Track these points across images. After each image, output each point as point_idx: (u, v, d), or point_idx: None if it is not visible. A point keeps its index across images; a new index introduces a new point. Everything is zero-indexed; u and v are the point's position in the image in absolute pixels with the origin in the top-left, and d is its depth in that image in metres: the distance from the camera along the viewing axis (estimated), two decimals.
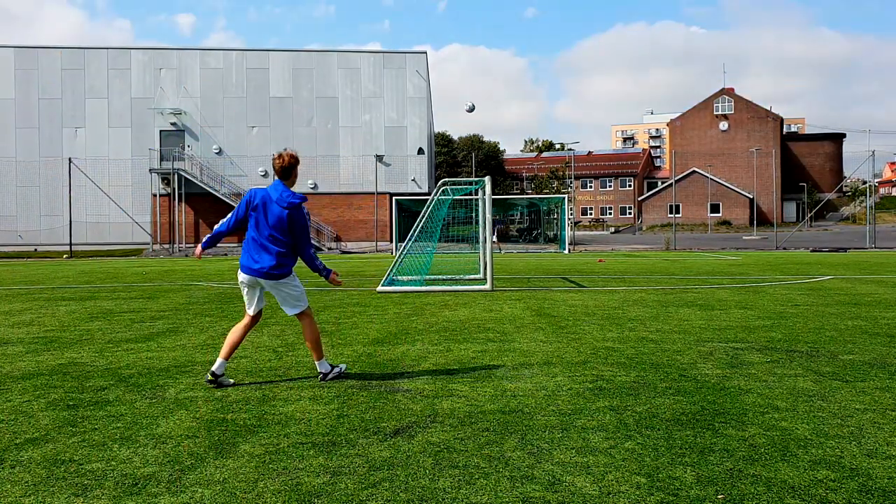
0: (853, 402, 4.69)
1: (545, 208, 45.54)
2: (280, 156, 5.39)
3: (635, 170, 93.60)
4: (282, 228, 5.31)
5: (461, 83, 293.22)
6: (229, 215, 5.56)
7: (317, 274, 5.47)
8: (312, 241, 5.41)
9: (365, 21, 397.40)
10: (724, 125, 77.41)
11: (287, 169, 5.38)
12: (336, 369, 5.60)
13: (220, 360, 5.36)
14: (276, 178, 5.46)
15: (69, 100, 41.59)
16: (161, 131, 41.84)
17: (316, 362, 5.54)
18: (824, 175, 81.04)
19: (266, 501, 3.12)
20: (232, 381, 5.49)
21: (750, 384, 5.25)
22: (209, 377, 5.33)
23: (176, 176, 39.28)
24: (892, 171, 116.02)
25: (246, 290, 5.48)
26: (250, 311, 5.52)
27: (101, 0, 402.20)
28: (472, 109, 19.81)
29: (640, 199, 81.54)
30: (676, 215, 61.48)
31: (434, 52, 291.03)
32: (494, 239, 32.91)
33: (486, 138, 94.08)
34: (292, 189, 5.47)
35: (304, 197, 5.44)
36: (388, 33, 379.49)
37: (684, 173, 74.10)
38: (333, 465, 3.57)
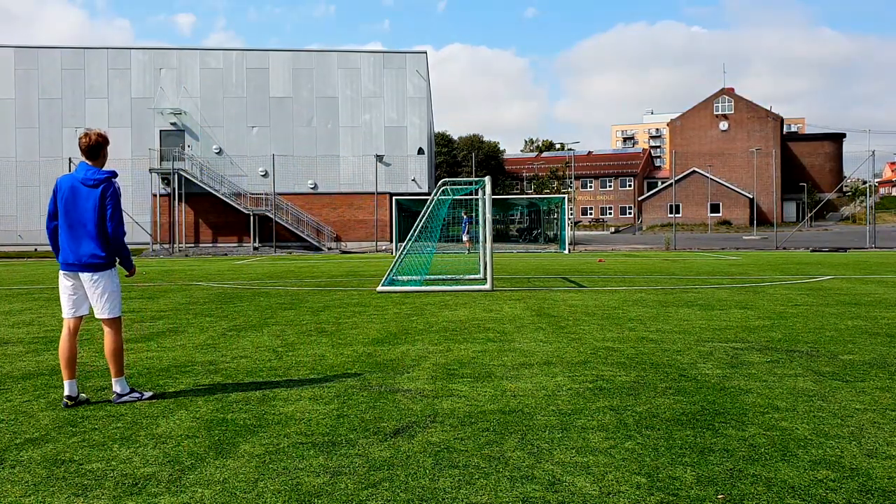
0: (853, 402, 4.69)
1: (545, 208, 45.54)
2: (86, 134, 4.85)
3: (635, 170, 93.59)
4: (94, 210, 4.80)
5: (461, 83, 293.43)
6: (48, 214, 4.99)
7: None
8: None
9: (365, 21, 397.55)
10: (724, 125, 77.41)
11: (94, 148, 4.86)
12: (135, 394, 4.97)
13: (67, 381, 4.80)
14: (83, 158, 4.91)
15: (69, 100, 41.59)
16: (161, 131, 41.83)
17: (114, 379, 4.93)
18: (824, 175, 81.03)
19: (266, 501, 3.12)
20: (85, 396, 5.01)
21: (750, 384, 5.25)
22: (66, 402, 4.80)
23: (176, 176, 39.27)
24: (893, 171, 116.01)
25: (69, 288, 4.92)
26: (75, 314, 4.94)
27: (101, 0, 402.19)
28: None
29: (640, 199, 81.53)
30: (676, 215, 61.45)
31: (435, 52, 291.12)
32: (464, 238, 30.19)
33: (486, 138, 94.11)
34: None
35: (113, 172, 4.92)
36: (387, 33, 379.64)
37: (684, 173, 74.08)
38: (333, 465, 3.57)
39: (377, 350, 6.86)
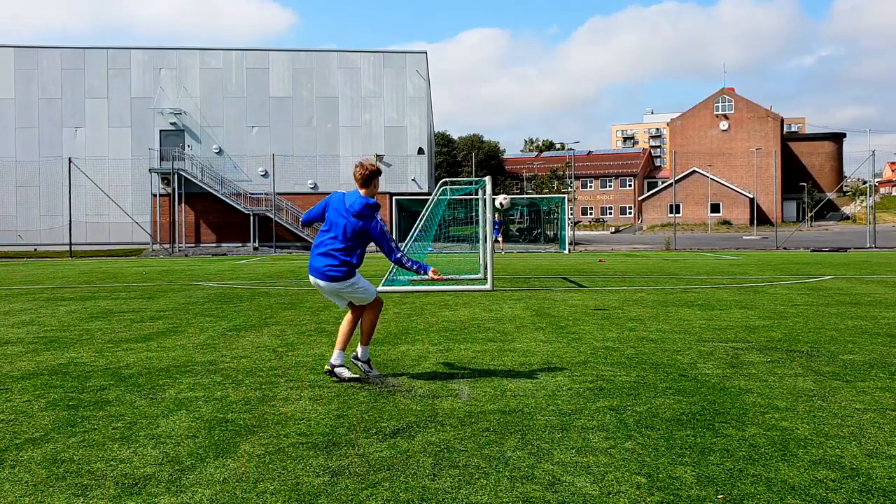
0: (853, 402, 4.69)
1: (545, 208, 45.53)
2: (360, 164, 5.45)
3: (635, 170, 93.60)
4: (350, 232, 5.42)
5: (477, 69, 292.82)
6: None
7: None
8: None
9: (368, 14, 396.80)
10: (724, 125, 77.42)
11: (368, 178, 5.42)
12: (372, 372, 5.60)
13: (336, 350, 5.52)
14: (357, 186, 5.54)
15: (69, 100, 41.59)
16: (161, 131, 41.82)
17: (360, 346, 5.64)
18: (824, 175, 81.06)
19: (266, 501, 3.12)
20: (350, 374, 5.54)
21: (750, 384, 5.25)
22: (327, 368, 5.50)
23: (176, 176, 39.27)
24: (893, 171, 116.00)
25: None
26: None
27: None
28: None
29: (640, 198, 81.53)
30: (676, 215, 61.46)
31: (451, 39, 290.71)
32: (499, 238, 33.67)
33: (486, 138, 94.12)
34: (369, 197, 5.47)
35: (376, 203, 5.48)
36: (396, 20, 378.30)
37: (684, 173, 74.09)
38: (333, 465, 3.57)
39: (377, 350, 6.86)
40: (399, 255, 5.43)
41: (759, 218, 69.63)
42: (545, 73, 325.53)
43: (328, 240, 5.40)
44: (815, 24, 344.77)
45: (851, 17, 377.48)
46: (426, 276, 5.45)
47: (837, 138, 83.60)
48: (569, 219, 41.14)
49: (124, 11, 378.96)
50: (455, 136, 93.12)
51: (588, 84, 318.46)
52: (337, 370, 5.44)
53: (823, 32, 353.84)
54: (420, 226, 14.43)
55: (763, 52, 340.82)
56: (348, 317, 5.62)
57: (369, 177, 5.39)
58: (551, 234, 44.69)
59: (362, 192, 5.41)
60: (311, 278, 5.50)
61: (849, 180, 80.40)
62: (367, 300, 5.56)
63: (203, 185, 40.07)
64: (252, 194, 40.99)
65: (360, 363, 5.63)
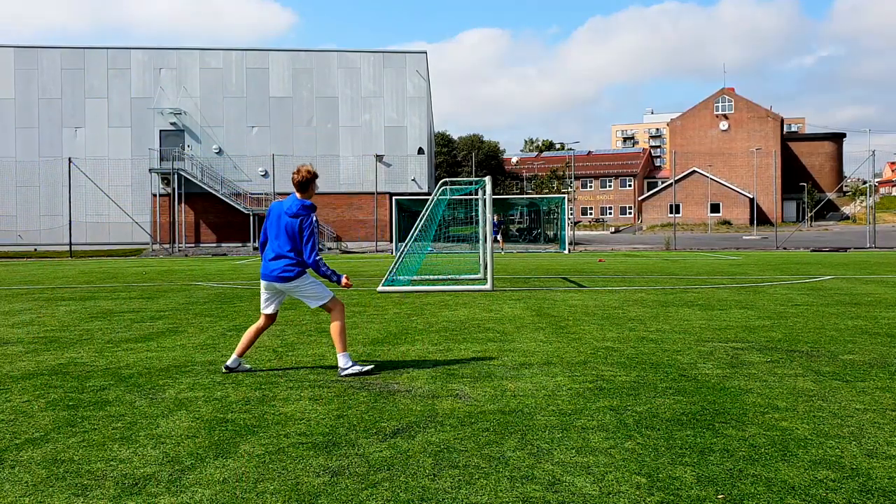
0: (853, 402, 4.69)
1: (545, 208, 45.53)
2: (297, 170, 5.79)
3: (635, 170, 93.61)
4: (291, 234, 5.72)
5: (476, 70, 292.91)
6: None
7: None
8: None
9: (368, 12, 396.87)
10: (724, 125, 77.42)
11: (304, 183, 5.75)
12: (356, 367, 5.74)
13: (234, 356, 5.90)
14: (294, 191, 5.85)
15: (69, 100, 41.59)
16: (161, 131, 41.83)
17: (338, 354, 5.78)
18: (824, 175, 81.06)
19: (266, 501, 3.12)
20: (249, 366, 6.00)
21: (750, 384, 5.25)
22: (224, 369, 5.85)
23: (176, 176, 39.27)
24: (893, 171, 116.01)
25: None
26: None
27: None
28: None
29: (640, 198, 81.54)
30: (676, 215, 61.45)
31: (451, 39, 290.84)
32: (499, 238, 34.33)
33: (486, 138, 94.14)
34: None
35: (312, 205, 5.79)
36: (396, 20, 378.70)
37: (684, 173, 74.09)
38: (333, 465, 3.57)
39: (377, 350, 6.86)
40: (317, 258, 5.65)
41: (759, 218, 69.62)
42: (545, 73, 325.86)
43: (275, 245, 5.73)
44: (815, 24, 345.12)
45: (851, 17, 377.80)
46: (339, 286, 5.75)
47: (837, 138, 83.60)
48: (569, 219, 41.14)
49: (124, 11, 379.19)
50: (455, 136, 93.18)
51: (588, 84, 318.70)
52: (236, 370, 5.86)
53: (823, 32, 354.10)
54: (420, 226, 14.43)
55: (763, 52, 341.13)
56: (259, 324, 5.91)
57: (306, 182, 5.73)
58: (551, 234, 44.68)
59: (299, 196, 5.76)
60: (264, 283, 5.82)
61: (849, 180, 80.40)
62: (321, 299, 5.76)
63: (203, 185, 40.07)
64: (252, 194, 40.99)
65: (349, 373, 5.70)
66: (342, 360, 5.70)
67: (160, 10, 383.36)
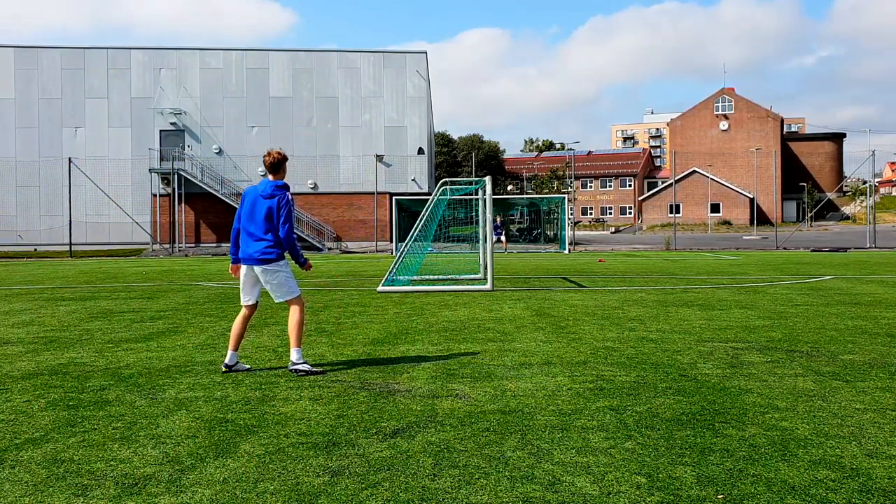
0: (853, 402, 4.69)
1: (545, 208, 45.53)
2: (268, 153, 5.87)
3: (635, 170, 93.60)
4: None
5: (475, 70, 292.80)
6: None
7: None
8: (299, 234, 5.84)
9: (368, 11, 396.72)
10: (724, 125, 77.42)
11: (276, 164, 5.86)
12: (306, 367, 5.77)
13: (230, 351, 5.90)
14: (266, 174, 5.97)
15: (69, 100, 41.59)
16: (161, 131, 41.82)
17: (292, 349, 5.80)
18: (824, 175, 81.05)
19: (266, 501, 3.12)
20: (248, 366, 6.03)
21: (750, 384, 5.25)
22: (223, 369, 5.85)
23: (176, 176, 39.27)
24: (893, 171, 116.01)
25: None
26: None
27: None
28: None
29: (640, 198, 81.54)
30: (676, 215, 61.43)
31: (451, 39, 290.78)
32: (502, 239, 34.84)
33: (486, 138, 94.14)
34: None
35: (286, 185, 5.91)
36: (396, 20, 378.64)
37: (684, 173, 74.08)
38: (333, 465, 3.57)
39: (377, 350, 6.86)
40: (293, 237, 5.79)
41: (759, 218, 69.61)
42: (545, 73, 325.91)
43: (253, 229, 5.81)
44: (815, 24, 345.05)
45: (851, 18, 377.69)
46: (303, 269, 5.96)
47: (837, 138, 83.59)
48: (569, 219, 41.14)
49: (124, 11, 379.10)
50: (455, 136, 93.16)
51: (588, 84, 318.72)
52: (234, 369, 5.86)
53: (823, 32, 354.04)
54: (420, 226, 14.43)
55: (763, 52, 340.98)
56: (243, 314, 5.97)
57: (277, 164, 5.82)
58: (551, 234, 44.67)
59: (272, 178, 5.86)
60: (243, 269, 5.90)
61: (849, 180, 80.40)
62: (289, 294, 5.84)
63: (203, 185, 40.06)
64: None
65: (299, 369, 5.74)
66: (295, 355, 5.76)
67: (160, 10, 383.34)
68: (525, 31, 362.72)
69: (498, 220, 34.76)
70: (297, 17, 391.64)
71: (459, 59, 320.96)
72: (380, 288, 13.07)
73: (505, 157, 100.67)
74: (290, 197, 5.81)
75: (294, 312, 5.85)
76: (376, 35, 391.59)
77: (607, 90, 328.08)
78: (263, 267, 5.76)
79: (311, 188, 41.81)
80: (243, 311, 5.96)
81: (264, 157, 5.85)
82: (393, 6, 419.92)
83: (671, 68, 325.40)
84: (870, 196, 41.66)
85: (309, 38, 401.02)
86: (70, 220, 36.03)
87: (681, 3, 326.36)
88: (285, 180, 5.94)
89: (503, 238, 35.25)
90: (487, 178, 13.69)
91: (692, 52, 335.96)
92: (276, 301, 5.89)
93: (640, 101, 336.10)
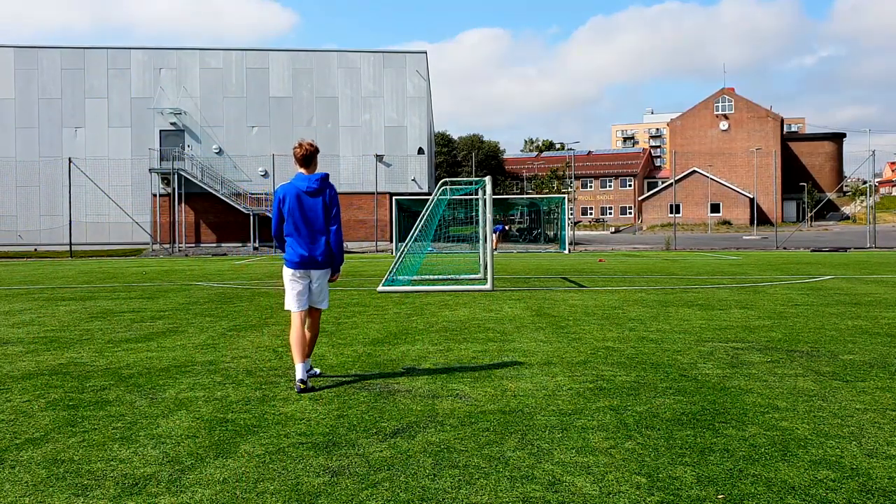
0: (853, 402, 4.69)
1: (545, 208, 45.52)
2: (300, 145, 5.44)
3: (635, 170, 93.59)
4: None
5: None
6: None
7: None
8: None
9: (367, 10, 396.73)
10: (724, 125, 77.41)
11: (308, 157, 5.43)
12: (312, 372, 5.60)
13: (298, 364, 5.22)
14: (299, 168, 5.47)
15: (69, 100, 41.58)
16: (161, 131, 41.81)
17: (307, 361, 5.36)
18: (824, 175, 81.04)
19: (266, 501, 3.12)
20: (318, 370, 5.77)
21: (750, 384, 5.25)
22: (299, 386, 5.14)
23: (176, 176, 39.26)
24: (893, 171, 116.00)
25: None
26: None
27: None
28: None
29: (640, 198, 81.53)
30: (676, 215, 61.43)
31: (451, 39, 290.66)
32: (494, 238, 34.49)
33: (486, 138, 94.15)
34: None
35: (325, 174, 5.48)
36: (396, 20, 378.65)
37: (684, 173, 74.08)
38: (333, 465, 3.57)
39: (377, 350, 6.86)
40: (339, 233, 5.45)
41: (759, 218, 69.61)
42: (545, 73, 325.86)
43: (306, 231, 5.36)
44: (816, 24, 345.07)
45: (852, 17, 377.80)
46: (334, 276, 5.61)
47: (837, 138, 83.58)
48: (569, 219, 41.14)
49: (124, 11, 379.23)
50: (455, 136, 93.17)
51: (588, 84, 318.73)
52: (310, 383, 5.29)
53: (823, 32, 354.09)
54: (420, 226, 14.44)
55: (763, 52, 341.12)
56: (300, 320, 5.37)
57: (310, 155, 5.43)
58: (551, 234, 44.67)
59: (305, 171, 5.43)
60: (298, 273, 5.39)
61: (849, 180, 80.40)
62: (328, 297, 5.61)
63: (203, 185, 40.05)
64: (252, 194, 40.98)
65: (316, 373, 5.65)
66: (309, 364, 5.43)
67: (160, 10, 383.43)
68: (525, 31, 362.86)
69: (502, 221, 34.62)
70: (298, 17, 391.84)
71: (459, 59, 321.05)
72: (380, 288, 13.06)
73: (505, 157, 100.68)
74: (335, 189, 5.47)
75: (318, 320, 5.57)
76: (376, 35, 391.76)
77: (607, 90, 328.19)
78: (321, 271, 5.43)
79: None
80: (299, 317, 5.36)
81: (294, 149, 5.41)
82: (393, 6, 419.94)
83: (671, 68, 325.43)
84: (870, 196, 41.66)
85: (309, 39, 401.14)
86: (70, 220, 36.01)
87: (681, 3, 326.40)
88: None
89: (495, 238, 35.34)
90: (487, 178, 13.69)
91: (692, 52, 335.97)
92: (320, 306, 5.50)
93: (640, 101, 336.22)
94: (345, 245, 40.98)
